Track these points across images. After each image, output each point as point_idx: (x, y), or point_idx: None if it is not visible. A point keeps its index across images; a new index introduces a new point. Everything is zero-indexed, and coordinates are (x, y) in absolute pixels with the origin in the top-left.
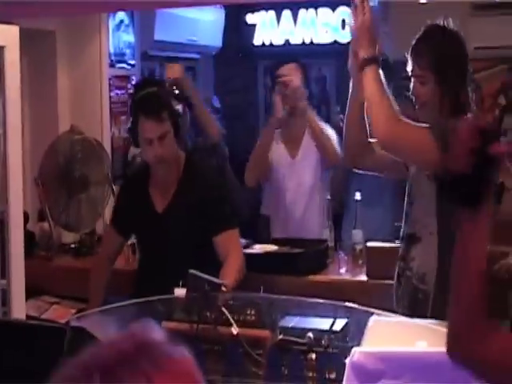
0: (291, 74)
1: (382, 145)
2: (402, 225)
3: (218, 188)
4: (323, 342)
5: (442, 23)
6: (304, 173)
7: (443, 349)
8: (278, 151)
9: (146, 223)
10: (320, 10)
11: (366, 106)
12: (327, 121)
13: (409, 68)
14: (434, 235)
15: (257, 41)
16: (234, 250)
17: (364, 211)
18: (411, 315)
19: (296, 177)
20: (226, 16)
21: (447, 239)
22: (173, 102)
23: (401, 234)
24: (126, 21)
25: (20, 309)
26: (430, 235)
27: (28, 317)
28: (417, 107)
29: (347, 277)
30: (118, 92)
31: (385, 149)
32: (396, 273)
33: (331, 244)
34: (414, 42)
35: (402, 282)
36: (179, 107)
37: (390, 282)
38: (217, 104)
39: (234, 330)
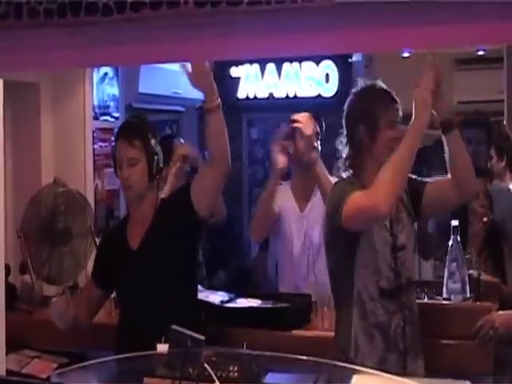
0: (306, 123)
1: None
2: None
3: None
4: None
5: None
6: (313, 227)
7: None
8: (287, 204)
9: (120, 262)
10: (304, 63)
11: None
12: None
13: None
14: None
15: (241, 94)
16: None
17: None
18: None
19: (304, 231)
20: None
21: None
22: (152, 140)
23: None
24: (111, 74)
25: (0, 363)
26: None
27: (8, 371)
28: None
29: (331, 332)
30: (102, 144)
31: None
32: None
33: (314, 298)
34: None
35: None
36: (158, 146)
37: None
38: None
39: None
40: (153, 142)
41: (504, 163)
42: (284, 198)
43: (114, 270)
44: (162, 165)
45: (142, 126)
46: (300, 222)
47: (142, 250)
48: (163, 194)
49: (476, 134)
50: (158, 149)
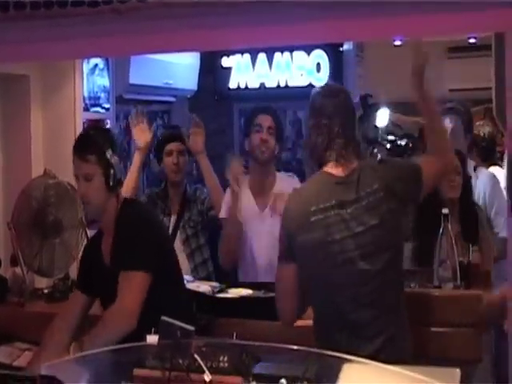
0: (264, 127)
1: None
2: None
3: (131, 227)
4: None
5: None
6: (274, 222)
7: None
8: (246, 201)
9: (98, 274)
10: (295, 53)
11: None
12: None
13: None
14: None
15: (232, 84)
16: (121, 295)
17: None
18: None
19: (264, 226)
20: (201, 59)
21: None
22: (108, 151)
23: None
24: (101, 65)
25: None
26: None
27: None
28: None
29: None
30: None
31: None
32: None
33: None
34: None
35: None
36: (114, 157)
37: None
38: None
39: (207, 376)
40: (109, 153)
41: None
42: (243, 198)
43: (94, 280)
44: (119, 176)
45: (96, 138)
46: (260, 219)
47: (114, 265)
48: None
49: (452, 122)
50: (115, 160)
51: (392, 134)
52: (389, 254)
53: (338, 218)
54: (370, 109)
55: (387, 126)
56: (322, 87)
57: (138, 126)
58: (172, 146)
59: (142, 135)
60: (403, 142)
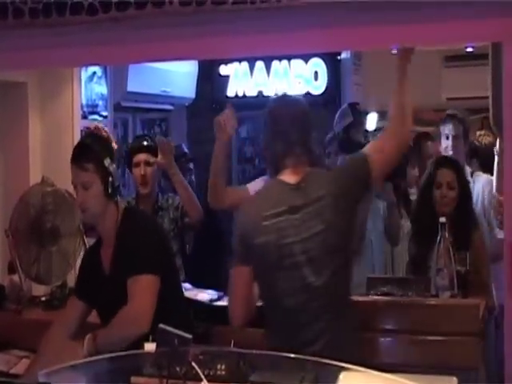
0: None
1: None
2: None
3: (136, 235)
4: None
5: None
6: None
7: None
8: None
9: (96, 283)
10: (293, 61)
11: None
12: None
13: None
14: None
15: (230, 92)
16: (134, 298)
17: None
18: None
19: None
20: (199, 67)
21: None
22: (106, 160)
23: None
24: (99, 72)
25: None
26: None
27: None
28: None
29: None
30: None
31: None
32: None
33: None
34: None
35: None
36: (113, 165)
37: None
38: (185, 149)
39: None
40: (107, 161)
41: (477, 163)
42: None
43: (92, 289)
44: (117, 183)
45: (94, 146)
46: None
47: (113, 275)
48: None
49: (454, 130)
50: (113, 168)
51: None
52: (336, 258)
53: (289, 222)
54: (359, 115)
55: (379, 131)
56: (279, 97)
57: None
58: (139, 158)
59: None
60: None
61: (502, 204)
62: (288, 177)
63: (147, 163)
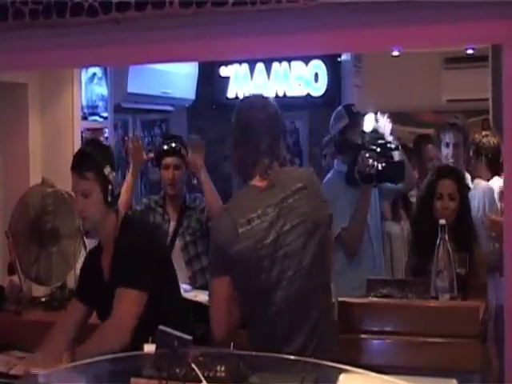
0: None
1: None
2: None
3: (130, 246)
4: None
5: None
6: None
7: None
8: None
9: (97, 288)
10: (293, 63)
11: None
12: None
13: None
14: None
15: (230, 93)
16: (116, 312)
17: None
18: None
19: None
20: (199, 69)
21: None
22: (106, 168)
23: None
24: (99, 73)
25: None
26: None
27: None
28: None
29: None
30: None
31: None
32: None
33: None
34: None
35: None
36: (113, 173)
37: (362, 336)
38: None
39: None
40: (107, 170)
41: (483, 162)
42: None
43: (93, 293)
44: (117, 192)
45: (94, 155)
46: None
47: (112, 282)
48: None
49: (454, 138)
50: (113, 176)
51: (382, 138)
52: (314, 248)
53: (265, 224)
54: (355, 116)
55: (376, 132)
56: (248, 99)
57: (133, 145)
58: (168, 161)
59: (136, 153)
60: (393, 145)
61: (495, 223)
62: (259, 182)
63: (176, 167)
